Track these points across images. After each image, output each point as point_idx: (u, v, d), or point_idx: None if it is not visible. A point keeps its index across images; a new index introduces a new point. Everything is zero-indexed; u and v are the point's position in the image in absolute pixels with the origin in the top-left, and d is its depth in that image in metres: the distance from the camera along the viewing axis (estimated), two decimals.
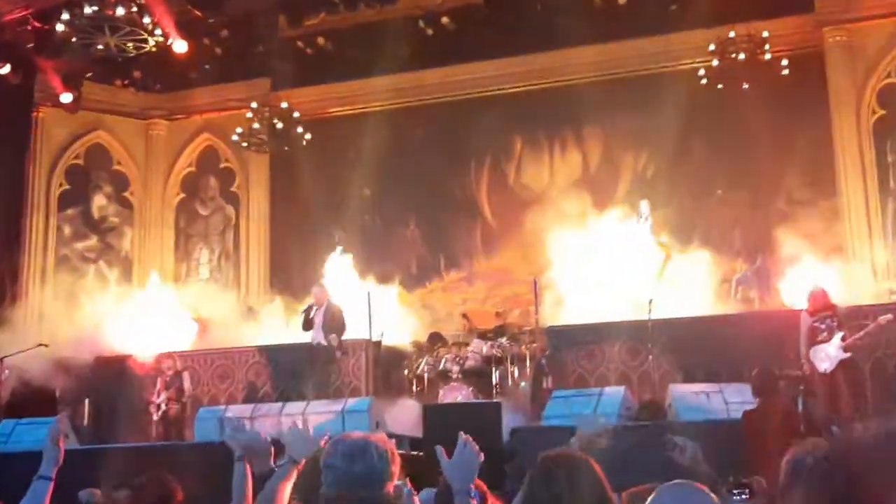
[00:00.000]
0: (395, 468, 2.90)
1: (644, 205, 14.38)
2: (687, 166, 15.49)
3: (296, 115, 16.27)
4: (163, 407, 12.63)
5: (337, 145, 16.83)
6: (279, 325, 14.70)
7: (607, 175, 16.36)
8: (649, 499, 2.41)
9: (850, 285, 12.17)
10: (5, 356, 12.70)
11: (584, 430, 7.26)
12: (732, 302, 13.66)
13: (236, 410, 11.09)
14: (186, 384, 12.86)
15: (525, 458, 7.78)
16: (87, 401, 13.54)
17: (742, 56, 14.27)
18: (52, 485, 3.56)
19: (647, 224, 14.23)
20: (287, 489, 3.12)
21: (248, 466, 3.29)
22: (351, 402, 10.62)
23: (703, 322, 12.28)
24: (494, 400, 10.92)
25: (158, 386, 12.80)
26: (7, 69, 14.77)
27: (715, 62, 14.44)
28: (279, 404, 11.16)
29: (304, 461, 3.17)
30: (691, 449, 5.82)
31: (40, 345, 12.49)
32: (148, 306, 15.57)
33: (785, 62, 14.40)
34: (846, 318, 10.36)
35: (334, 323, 12.10)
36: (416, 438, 9.57)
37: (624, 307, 12.85)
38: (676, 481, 2.50)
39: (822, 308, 10.25)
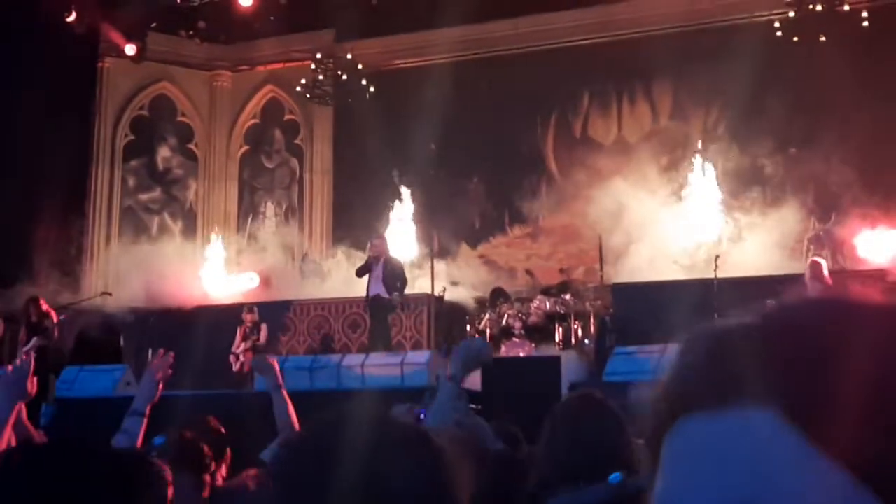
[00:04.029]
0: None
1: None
2: (760, 122, 14.99)
3: (360, 66, 16.11)
4: (241, 358, 12.70)
5: (401, 98, 16.64)
6: (342, 279, 14.66)
7: (677, 130, 15.94)
8: None
9: None
10: (70, 304, 12.86)
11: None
12: (804, 262, 13.25)
13: (295, 362, 11.07)
14: (263, 335, 12.94)
15: None
16: (150, 350, 13.65)
17: (819, 7, 13.72)
18: (145, 421, 3.50)
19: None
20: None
21: (285, 395, 3.41)
22: (410, 355, 10.53)
23: (771, 281, 11.91)
24: (554, 355, 10.73)
25: (238, 337, 12.89)
26: (73, 17, 14.81)
27: (791, 14, 13.90)
28: (338, 356, 11.12)
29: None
30: None
31: (104, 293, 12.62)
32: (213, 257, 15.67)
33: (865, 14, 13.81)
34: None
35: (395, 277, 12.00)
36: (474, 392, 9.45)
37: (691, 266, 12.55)
38: None
39: None
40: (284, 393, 3.70)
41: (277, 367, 3.99)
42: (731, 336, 0.57)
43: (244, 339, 12.84)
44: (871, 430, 0.51)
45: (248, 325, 12.94)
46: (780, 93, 14.78)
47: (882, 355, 0.53)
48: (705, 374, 0.55)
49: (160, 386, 3.70)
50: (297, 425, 3.39)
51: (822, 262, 10.87)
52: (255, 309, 13.22)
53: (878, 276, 11.61)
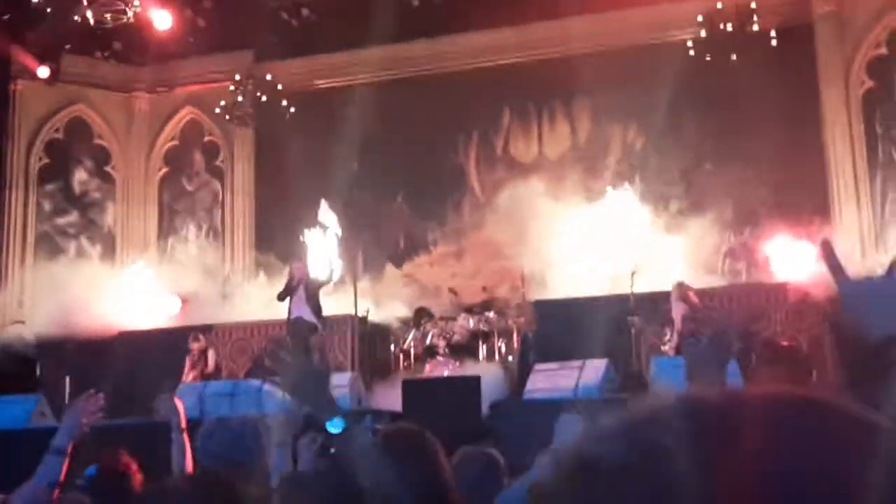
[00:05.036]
0: None
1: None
2: (677, 139, 15.31)
3: (280, 87, 16.04)
4: None
5: (322, 118, 16.60)
6: (263, 301, 14.53)
7: (597, 147, 16.18)
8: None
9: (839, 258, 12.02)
10: None
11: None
12: (720, 274, 13.55)
13: (216, 388, 10.95)
14: (212, 363, 12.65)
15: (502, 432, 7.64)
16: (67, 379, 13.36)
17: (730, 27, 14.08)
18: (66, 460, 3.44)
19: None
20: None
21: (185, 440, 3.35)
22: (335, 377, 10.48)
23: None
24: (473, 374, 10.78)
25: (187, 366, 12.55)
26: None
27: (703, 33, 14.24)
28: (258, 382, 11.01)
29: None
30: None
31: (16, 322, 12.32)
32: (132, 282, 15.41)
33: (773, 33, 14.21)
34: None
35: (317, 298, 11.96)
36: (397, 413, 9.46)
37: (611, 281, 12.73)
38: None
39: None
40: (186, 437, 3.64)
41: (182, 410, 3.85)
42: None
43: (193, 366, 12.51)
44: None
45: (196, 353, 12.60)
46: (695, 110, 15.12)
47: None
48: None
49: (84, 428, 3.63)
50: (190, 469, 3.34)
51: (688, 285, 11.23)
52: (201, 337, 12.87)
53: (784, 290, 11.93)
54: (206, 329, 13.46)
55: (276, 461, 3.44)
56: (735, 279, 13.37)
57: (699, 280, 12.72)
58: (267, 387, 10.26)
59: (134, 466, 4.59)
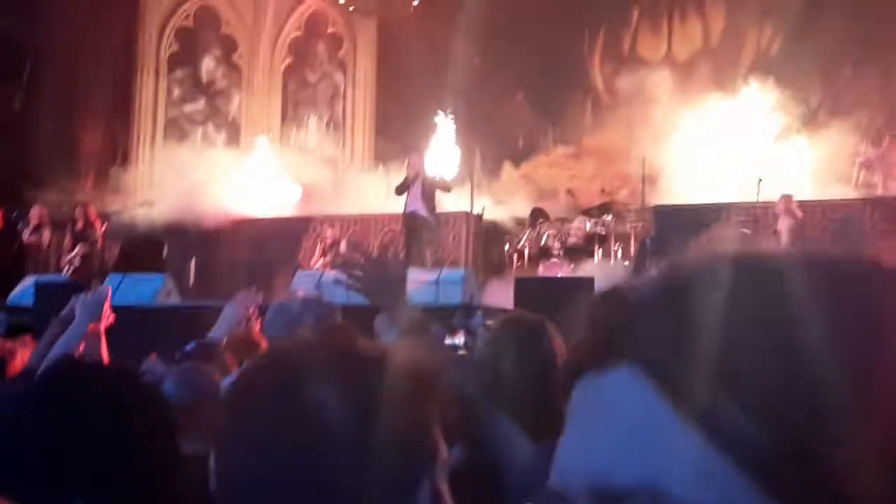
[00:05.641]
0: None
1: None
2: (814, 41, 14.52)
3: None
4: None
5: (446, 11, 16.33)
6: (381, 193, 14.60)
7: (729, 49, 15.51)
8: None
9: None
10: (115, 212, 12.99)
11: None
12: (854, 187, 12.96)
13: (331, 274, 11.11)
14: (343, 251, 12.82)
15: None
16: (195, 260, 13.77)
17: None
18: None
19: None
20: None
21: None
22: (445, 272, 10.52)
23: (817, 206, 11.68)
24: (587, 275, 10.62)
25: (317, 253, 12.78)
26: None
27: None
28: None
29: None
30: None
31: (144, 203, 12.70)
32: (255, 169, 15.68)
33: None
34: None
35: (433, 195, 11.93)
36: (508, 311, 9.44)
37: (738, 187, 12.32)
38: None
39: None
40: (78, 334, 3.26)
41: (107, 309, 3.33)
42: (614, 296, 0.56)
43: (323, 254, 12.62)
44: (729, 398, 0.50)
45: (329, 240, 12.77)
46: (835, 10, 14.27)
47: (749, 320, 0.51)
48: (591, 335, 0.56)
49: (241, 321, 3.69)
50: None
51: (792, 196, 10.75)
52: (337, 225, 13.02)
53: None
54: (328, 219, 13.63)
55: None
56: (870, 192, 12.75)
57: (829, 191, 12.21)
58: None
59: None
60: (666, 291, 0.54)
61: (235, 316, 3.64)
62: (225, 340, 3.70)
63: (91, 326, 3.23)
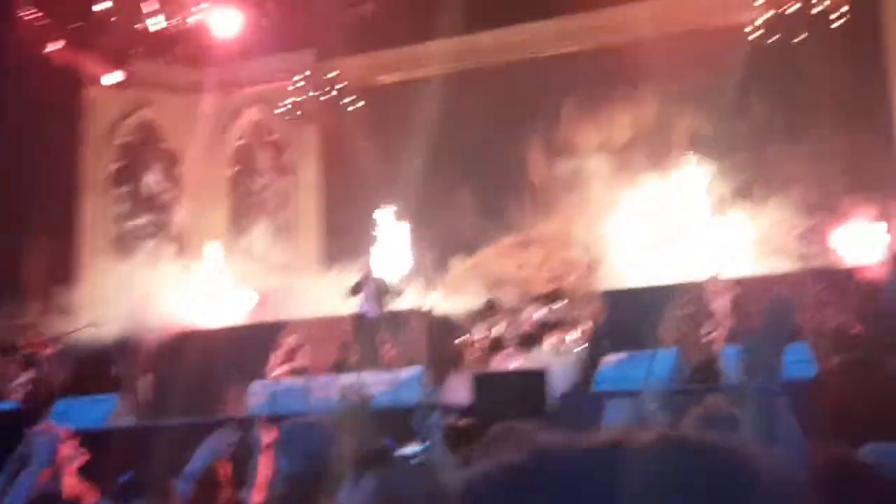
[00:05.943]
0: None
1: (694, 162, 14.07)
2: (744, 123, 15.02)
3: (343, 84, 16.13)
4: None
5: (385, 113, 16.66)
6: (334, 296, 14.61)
7: (662, 134, 15.95)
8: None
9: None
10: (62, 334, 12.84)
11: None
12: (793, 259, 13.26)
13: (289, 384, 11.07)
14: (305, 358, 12.53)
15: (571, 424, 7.59)
16: (148, 377, 13.58)
17: (794, 8, 13.82)
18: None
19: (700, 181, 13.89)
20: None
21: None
22: (400, 372, 10.54)
23: (759, 281, 11.93)
24: (539, 367, 10.70)
25: (273, 360, 12.35)
26: (52, 48, 14.85)
27: (768, 14, 14.00)
28: (332, 377, 11.11)
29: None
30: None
31: (91, 323, 12.60)
32: (205, 279, 15.64)
33: (838, 13, 13.91)
34: None
35: (382, 295, 12.01)
36: (465, 407, 9.46)
37: (681, 268, 12.55)
38: None
39: None
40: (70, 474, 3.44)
41: (72, 448, 3.46)
42: None
43: (283, 362, 12.26)
44: None
45: (287, 348, 12.45)
46: (759, 96, 14.83)
47: None
48: None
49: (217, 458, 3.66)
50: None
51: (717, 276, 11.01)
52: (295, 333, 12.78)
53: (856, 274, 11.64)
54: (283, 325, 13.50)
55: None
56: (807, 264, 13.06)
57: (769, 265, 12.50)
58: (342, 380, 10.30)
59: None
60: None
61: (212, 454, 3.61)
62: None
63: (47, 471, 3.20)
